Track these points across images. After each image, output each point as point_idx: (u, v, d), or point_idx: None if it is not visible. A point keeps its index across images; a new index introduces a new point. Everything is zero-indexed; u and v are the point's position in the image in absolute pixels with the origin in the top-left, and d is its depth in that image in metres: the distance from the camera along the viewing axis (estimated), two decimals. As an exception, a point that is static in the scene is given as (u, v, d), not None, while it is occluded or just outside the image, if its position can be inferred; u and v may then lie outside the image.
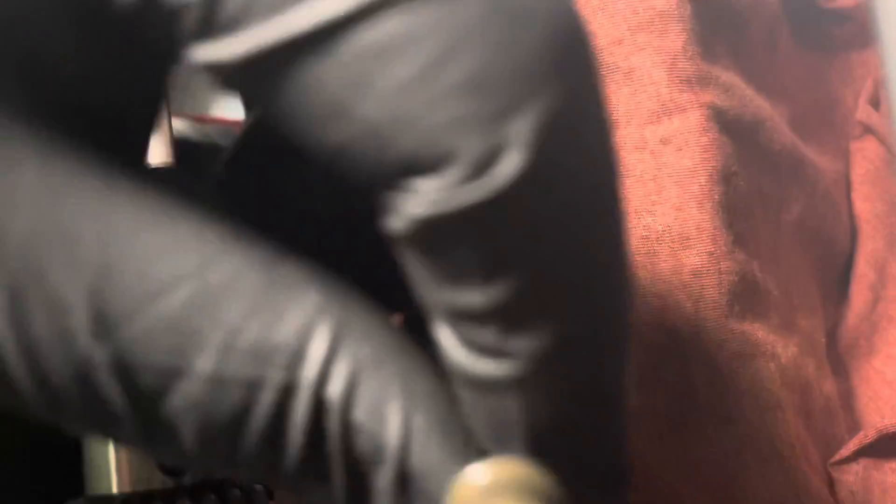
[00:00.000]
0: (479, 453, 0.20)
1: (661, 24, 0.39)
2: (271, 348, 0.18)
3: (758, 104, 0.42)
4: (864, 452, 0.40)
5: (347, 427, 0.18)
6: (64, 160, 0.18)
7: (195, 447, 0.18)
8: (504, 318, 0.18)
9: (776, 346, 0.39)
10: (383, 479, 0.19)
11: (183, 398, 0.18)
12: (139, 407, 0.18)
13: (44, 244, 0.17)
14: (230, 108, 0.50)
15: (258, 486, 0.23)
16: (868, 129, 0.47)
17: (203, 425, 0.18)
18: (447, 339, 0.19)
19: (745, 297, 0.38)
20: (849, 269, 0.46)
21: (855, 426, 0.43)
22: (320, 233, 0.22)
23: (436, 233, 0.17)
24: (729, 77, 0.41)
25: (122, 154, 0.20)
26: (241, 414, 0.18)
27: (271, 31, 0.17)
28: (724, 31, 0.42)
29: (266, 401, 0.18)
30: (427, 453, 0.19)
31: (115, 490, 0.20)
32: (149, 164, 0.18)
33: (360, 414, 0.19)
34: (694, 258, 0.37)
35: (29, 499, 0.23)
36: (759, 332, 0.38)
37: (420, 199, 0.17)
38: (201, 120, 0.45)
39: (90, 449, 0.21)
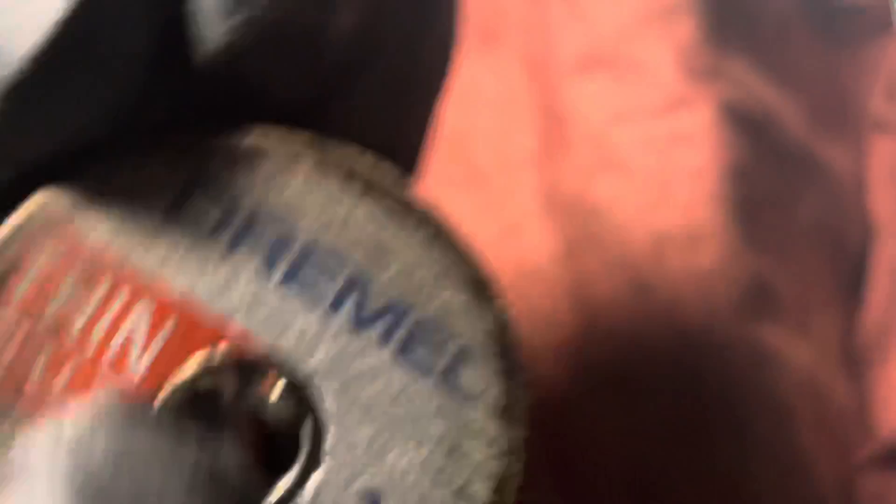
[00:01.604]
0: None
1: (670, 14, 0.39)
2: None
3: (770, 98, 0.42)
4: (880, 461, 0.39)
5: None
6: None
7: None
8: None
9: (789, 351, 0.38)
10: None
11: None
12: None
13: None
14: None
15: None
16: (883, 123, 0.47)
17: None
18: None
19: (757, 299, 0.38)
20: (863, 270, 0.46)
21: (872, 434, 0.42)
22: None
23: None
24: (740, 70, 0.41)
25: None
26: None
27: None
28: (735, 22, 0.42)
29: None
30: None
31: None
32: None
33: None
34: (703, 259, 0.37)
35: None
36: (772, 336, 0.38)
37: None
38: None
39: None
